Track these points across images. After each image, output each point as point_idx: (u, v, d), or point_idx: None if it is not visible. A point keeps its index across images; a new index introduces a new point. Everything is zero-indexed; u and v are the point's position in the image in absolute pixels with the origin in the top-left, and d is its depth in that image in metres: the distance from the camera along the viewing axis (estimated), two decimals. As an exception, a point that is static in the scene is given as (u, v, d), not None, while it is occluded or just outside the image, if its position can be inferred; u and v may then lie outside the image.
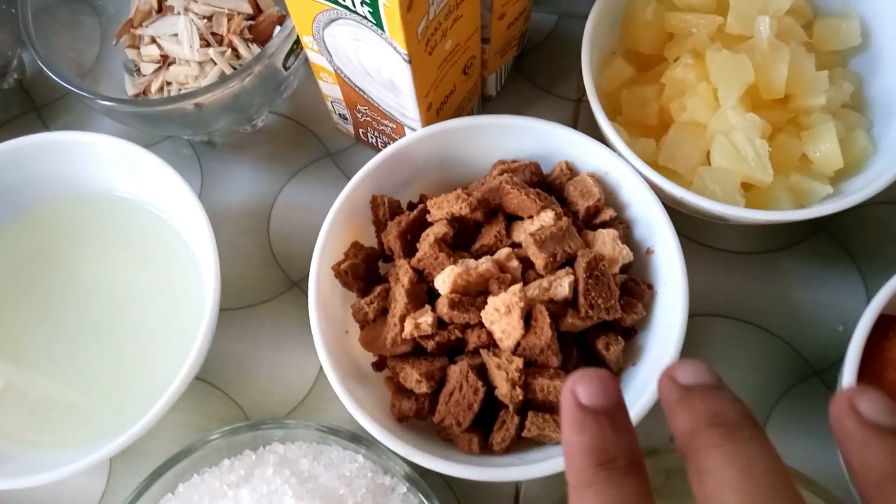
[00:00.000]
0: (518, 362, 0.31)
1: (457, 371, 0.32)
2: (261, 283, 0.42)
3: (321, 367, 0.38)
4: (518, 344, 0.32)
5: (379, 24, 0.31)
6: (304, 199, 0.43)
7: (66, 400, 0.37)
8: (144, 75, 0.42)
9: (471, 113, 0.43)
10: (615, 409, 0.19)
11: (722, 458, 0.18)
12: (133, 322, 0.38)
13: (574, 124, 0.44)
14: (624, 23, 0.40)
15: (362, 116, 0.41)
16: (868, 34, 0.39)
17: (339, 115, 0.43)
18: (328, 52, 0.36)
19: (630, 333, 0.34)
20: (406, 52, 0.31)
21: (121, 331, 0.38)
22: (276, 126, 0.45)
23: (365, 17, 0.31)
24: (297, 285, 0.42)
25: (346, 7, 0.31)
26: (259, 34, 0.42)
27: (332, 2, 0.31)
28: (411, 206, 0.38)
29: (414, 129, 0.38)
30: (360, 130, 0.43)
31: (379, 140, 0.42)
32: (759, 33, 0.36)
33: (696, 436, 0.18)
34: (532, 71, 0.46)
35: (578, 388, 0.20)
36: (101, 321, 0.38)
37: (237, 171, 0.44)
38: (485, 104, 0.45)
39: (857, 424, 0.18)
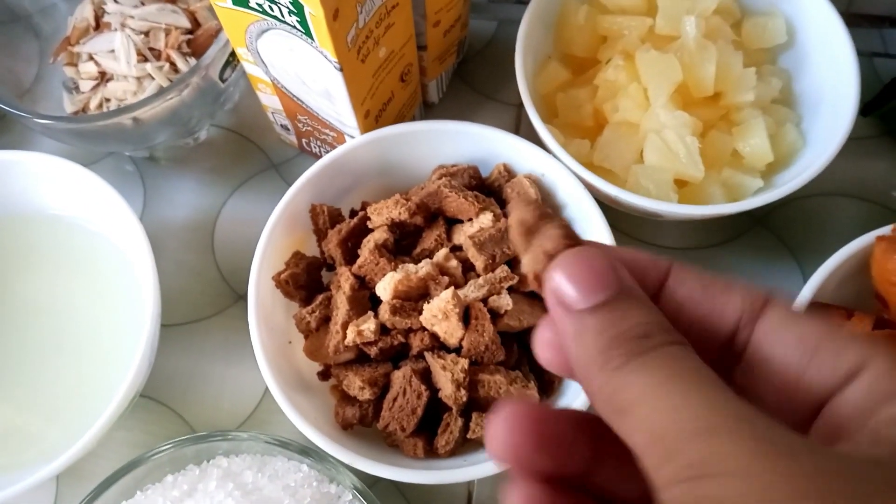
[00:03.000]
0: (463, 363, 0.31)
1: (400, 376, 0.32)
2: (206, 297, 0.41)
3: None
4: (461, 344, 0.32)
5: (308, 34, 0.31)
6: (249, 212, 0.43)
7: (9, 421, 0.36)
8: (83, 92, 0.42)
9: (412, 119, 0.43)
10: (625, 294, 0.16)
11: None
12: (75, 341, 0.37)
13: (516, 128, 0.45)
14: (557, 27, 0.40)
15: (303, 126, 0.41)
16: (793, 32, 0.40)
17: (281, 125, 0.43)
18: (263, 62, 0.36)
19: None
20: (336, 61, 0.32)
21: (63, 350, 0.37)
22: (219, 139, 0.45)
23: (294, 27, 0.31)
24: (243, 298, 0.41)
25: (275, 17, 0.31)
26: (198, 48, 0.42)
27: (262, 12, 0.32)
28: (353, 214, 0.38)
29: (353, 137, 0.38)
30: (303, 140, 0.43)
31: (321, 149, 0.43)
32: (686, 33, 0.37)
33: None
34: (473, 77, 0.46)
35: (562, 290, 0.16)
36: (43, 341, 0.37)
37: (180, 185, 0.44)
38: (427, 110, 0.45)
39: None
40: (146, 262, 0.34)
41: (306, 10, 0.29)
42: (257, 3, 0.31)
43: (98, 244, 0.38)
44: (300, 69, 0.35)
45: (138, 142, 0.41)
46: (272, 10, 0.31)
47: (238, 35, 0.35)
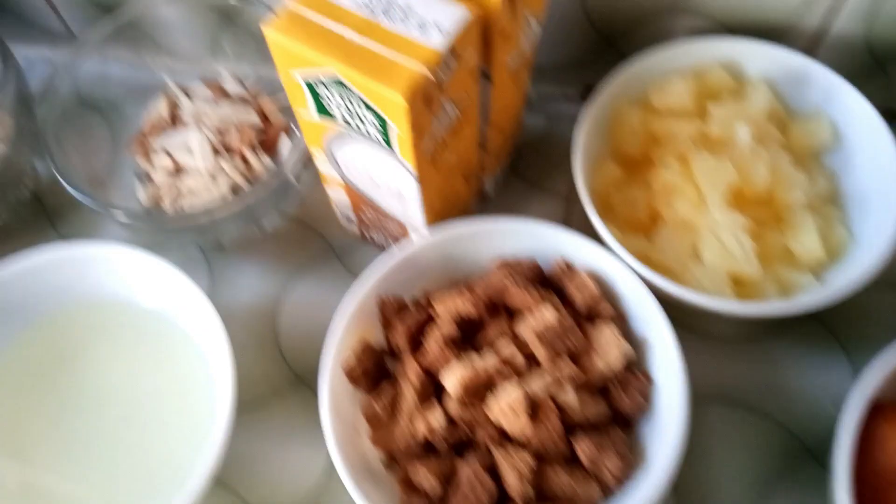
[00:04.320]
0: (529, 459, 0.32)
1: (468, 471, 0.33)
2: (269, 380, 0.43)
3: (330, 464, 0.39)
4: (527, 438, 0.33)
5: (389, 146, 0.33)
6: (311, 297, 0.45)
7: (79, 506, 0.37)
8: (156, 184, 0.44)
9: (470, 211, 0.45)
10: None
11: None
12: (144, 427, 0.38)
13: (566, 217, 0.46)
14: (612, 128, 0.43)
15: (367, 219, 0.43)
16: (838, 133, 0.42)
17: (345, 216, 0.45)
18: (337, 164, 0.38)
19: (632, 424, 0.36)
20: (415, 171, 0.34)
21: (132, 436, 0.38)
22: (284, 227, 0.47)
23: (377, 141, 0.33)
24: (305, 382, 0.43)
25: (358, 131, 0.34)
26: (268, 144, 0.45)
27: (346, 125, 0.34)
28: (417, 305, 0.40)
29: (418, 232, 0.40)
30: (365, 230, 0.45)
31: (383, 239, 0.44)
32: (740, 139, 0.38)
33: None
34: (525, 169, 0.48)
35: None
36: (113, 427, 0.38)
37: (245, 271, 0.46)
38: (482, 202, 0.47)
39: None
40: (222, 351, 0.36)
41: (393, 131, 0.31)
42: (343, 118, 0.33)
43: (172, 332, 0.39)
44: (374, 172, 0.37)
45: (209, 235, 0.43)
46: (357, 125, 0.33)
47: (317, 141, 0.37)
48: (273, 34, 0.30)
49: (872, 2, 0.41)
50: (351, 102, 0.32)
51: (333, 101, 0.32)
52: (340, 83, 0.31)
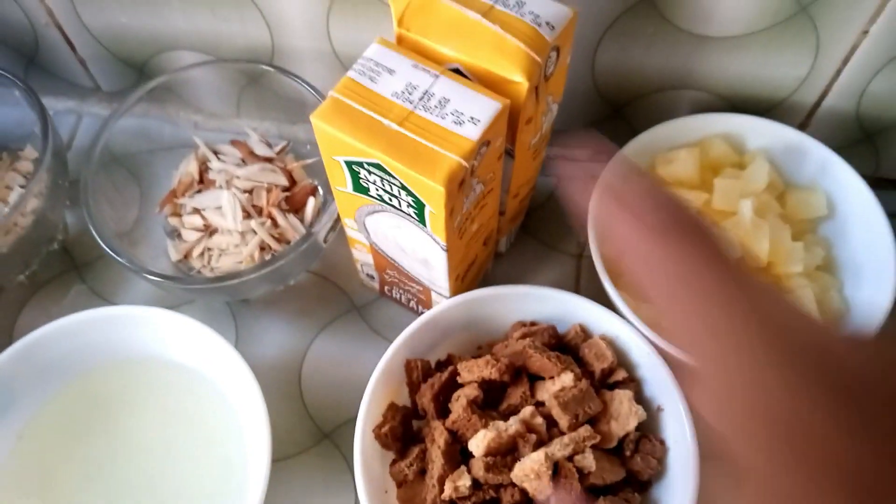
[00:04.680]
0: (552, 522, 0.34)
1: (494, 530, 0.35)
2: (292, 435, 0.44)
3: (355, 519, 0.41)
4: (549, 500, 0.35)
5: (422, 222, 0.35)
6: (334, 352, 0.47)
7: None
8: (186, 241, 0.46)
9: (486, 270, 0.48)
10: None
11: None
12: (178, 481, 0.40)
13: (577, 277, 0.49)
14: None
15: (390, 278, 0.45)
16: (832, 204, 0.44)
17: (367, 275, 0.47)
18: (366, 231, 0.40)
19: (646, 487, 0.38)
20: (444, 244, 0.36)
21: (166, 490, 0.40)
22: (307, 282, 0.49)
23: (409, 216, 0.35)
24: (329, 437, 0.44)
25: (391, 205, 0.36)
26: (294, 204, 0.47)
27: (380, 200, 0.36)
28: (439, 365, 0.42)
29: (441, 294, 0.42)
30: (386, 288, 0.47)
31: (403, 297, 0.46)
32: (742, 214, 0.41)
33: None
34: (537, 229, 0.51)
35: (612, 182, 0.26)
36: (147, 481, 0.40)
37: (269, 325, 0.48)
38: (496, 260, 0.49)
39: None
40: (257, 409, 0.37)
41: (427, 209, 0.34)
42: (377, 195, 0.36)
43: (204, 388, 0.41)
44: (402, 241, 0.39)
45: (237, 295, 0.45)
46: (391, 200, 0.35)
47: (350, 212, 0.39)
48: (320, 124, 0.33)
49: (861, 80, 0.44)
50: (390, 184, 0.34)
51: (371, 181, 0.35)
52: (381, 168, 0.33)
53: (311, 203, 0.46)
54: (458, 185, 0.32)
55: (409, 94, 0.32)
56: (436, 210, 0.33)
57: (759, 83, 0.46)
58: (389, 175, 0.33)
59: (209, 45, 0.49)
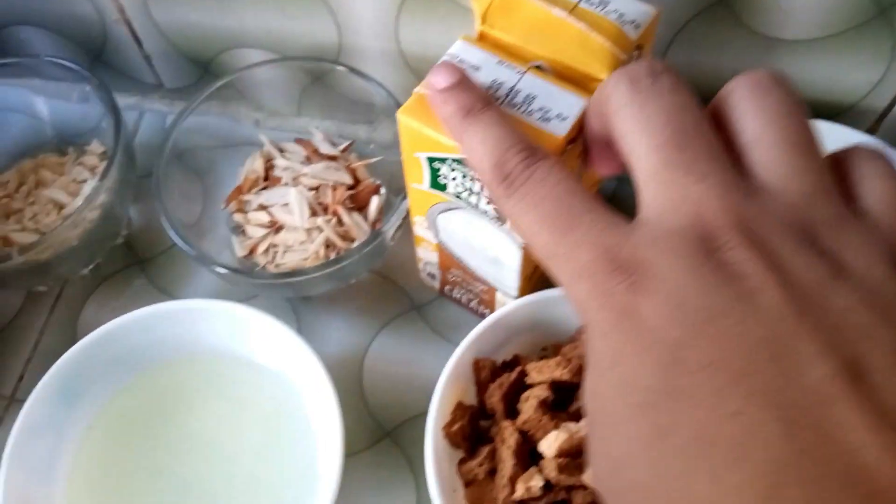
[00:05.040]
0: (628, 526, 0.34)
1: (567, 532, 0.35)
2: (354, 433, 0.44)
3: (418, 519, 0.41)
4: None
5: (500, 219, 0.35)
6: (394, 351, 0.47)
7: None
8: (251, 237, 0.46)
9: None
10: (463, 81, 0.28)
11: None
12: (245, 479, 0.40)
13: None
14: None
15: (452, 277, 0.45)
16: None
17: (429, 273, 0.47)
18: (436, 229, 0.40)
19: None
20: (523, 241, 0.36)
21: (232, 487, 0.40)
22: (366, 281, 0.49)
23: (486, 213, 0.35)
24: (389, 435, 0.44)
25: (468, 203, 0.36)
26: (358, 202, 0.47)
27: (458, 198, 0.36)
28: (505, 366, 0.41)
29: (507, 294, 0.42)
30: (447, 288, 0.47)
31: (464, 297, 0.46)
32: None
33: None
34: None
35: (432, 79, 0.28)
36: (213, 476, 0.40)
37: (330, 323, 0.48)
38: (557, 262, 0.49)
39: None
40: (330, 404, 0.37)
41: (508, 205, 0.33)
42: (455, 192, 0.36)
43: (276, 386, 0.41)
44: (473, 239, 0.39)
45: (300, 291, 0.45)
46: (469, 198, 0.35)
47: (422, 210, 0.39)
48: (406, 119, 0.33)
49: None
50: (472, 180, 0.34)
51: (451, 178, 0.35)
52: (465, 164, 0.33)
53: (375, 202, 0.46)
54: (542, 182, 0.32)
55: (495, 90, 0.32)
56: (518, 207, 0.33)
57: (829, 87, 0.45)
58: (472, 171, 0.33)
59: (275, 44, 0.50)
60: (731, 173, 0.20)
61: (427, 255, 0.44)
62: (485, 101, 0.26)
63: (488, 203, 0.35)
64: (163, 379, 0.42)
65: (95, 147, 0.51)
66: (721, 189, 0.19)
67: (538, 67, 0.34)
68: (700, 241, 0.19)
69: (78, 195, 0.48)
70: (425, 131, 0.32)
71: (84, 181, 0.49)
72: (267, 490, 0.40)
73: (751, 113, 0.21)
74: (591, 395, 0.20)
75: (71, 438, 0.40)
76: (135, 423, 0.41)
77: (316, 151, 0.48)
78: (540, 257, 0.21)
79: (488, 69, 0.33)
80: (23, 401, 0.39)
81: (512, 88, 0.32)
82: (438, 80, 0.28)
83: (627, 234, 0.20)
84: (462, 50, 0.34)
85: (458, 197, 0.36)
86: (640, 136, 0.21)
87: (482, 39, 0.35)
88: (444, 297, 0.48)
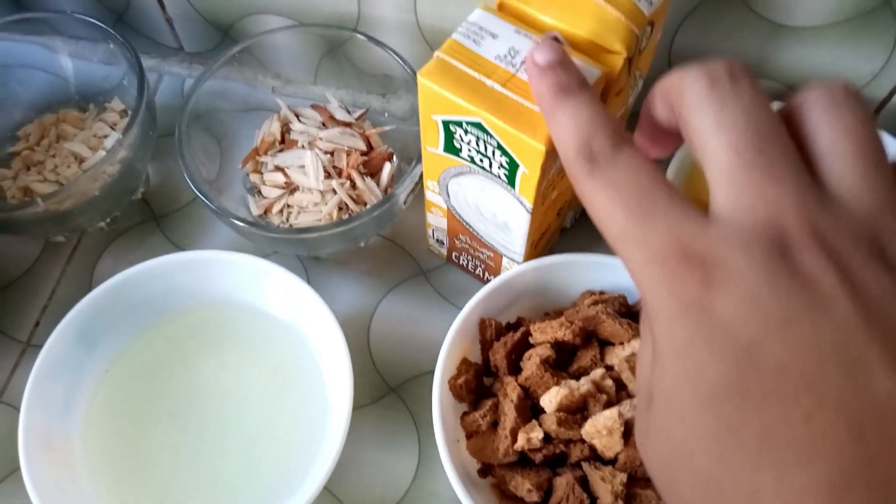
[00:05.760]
0: (622, 476, 0.36)
1: (563, 483, 0.37)
2: (361, 388, 0.46)
3: (419, 470, 0.43)
4: (618, 457, 0.37)
5: (511, 184, 0.37)
6: (401, 312, 0.48)
7: (185, 497, 0.40)
8: (267, 197, 0.48)
9: (552, 244, 0.49)
10: (564, 60, 0.28)
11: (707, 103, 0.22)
12: (255, 424, 0.42)
13: (639, 256, 0.50)
14: (690, 177, 0.46)
15: (460, 244, 0.47)
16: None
17: (437, 239, 0.48)
18: (447, 194, 0.42)
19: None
20: (531, 206, 0.37)
21: (243, 432, 0.41)
22: (376, 245, 0.51)
23: (498, 177, 0.37)
24: (395, 391, 0.46)
25: (481, 167, 0.37)
26: (371, 168, 0.48)
27: (470, 162, 0.37)
28: (509, 327, 0.43)
29: (513, 260, 0.44)
30: (454, 254, 0.48)
31: (471, 264, 0.48)
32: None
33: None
34: (601, 206, 0.52)
35: (534, 55, 0.28)
36: (224, 422, 0.42)
37: (340, 283, 0.49)
38: (560, 234, 0.51)
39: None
40: (341, 357, 0.39)
41: (520, 170, 0.35)
42: (468, 156, 0.37)
43: (290, 338, 0.43)
44: (483, 204, 0.41)
45: (312, 249, 0.47)
46: (482, 162, 0.37)
47: (434, 174, 0.40)
48: (426, 82, 0.34)
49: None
50: (486, 145, 0.35)
51: (465, 141, 0.36)
52: (481, 127, 0.34)
53: (387, 168, 0.48)
54: (554, 147, 0.34)
55: (512, 57, 0.34)
56: (530, 171, 0.35)
57: (831, 75, 0.47)
58: (487, 134, 0.35)
59: (296, 10, 0.51)
60: (806, 179, 0.20)
61: (436, 221, 0.46)
62: (581, 83, 0.26)
63: (500, 167, 0.36)
64: (179, 326, 0.43)
65: (116, 104, 0.52)
66: (797, 194, 0.20)
67: (554, 38, 0.35)
68: (775, 243, 0.19)
69: (98, 149, 0.50)
70: (444, 94, 0.34)
71: (104, 136, 0.50)
72: (276, 437, 0.41)
73: (826, 123, 0.21)
74: (653, 377, 0.21)
75: (88, 381, 0.42)
76: (150, 368, 0.43)
77: (331, 117, 0.49)
78: (611, 239, 0.22)
79: (506, 37, 0.34)
80: (38, 346, 0.41)
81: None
82: (539, 56, 0.28)
83: (703, 227, 0.20)
84: (481, 18, 0.35)
85: (471, 161, 0.37)
86: (718, 134, 0.21)
87: (501, 9, 0.36)
88: (451, 263, 0.50)
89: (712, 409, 0.18)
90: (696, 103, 0.22)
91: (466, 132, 0.35)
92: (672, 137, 0.26)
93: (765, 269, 0.19)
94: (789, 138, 0.21)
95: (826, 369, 0.18)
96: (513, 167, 0.35)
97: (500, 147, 0.35)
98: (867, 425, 0.17)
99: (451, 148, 0.38)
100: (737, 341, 0.18)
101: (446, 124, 0.36)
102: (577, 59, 0.34)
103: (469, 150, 0.37)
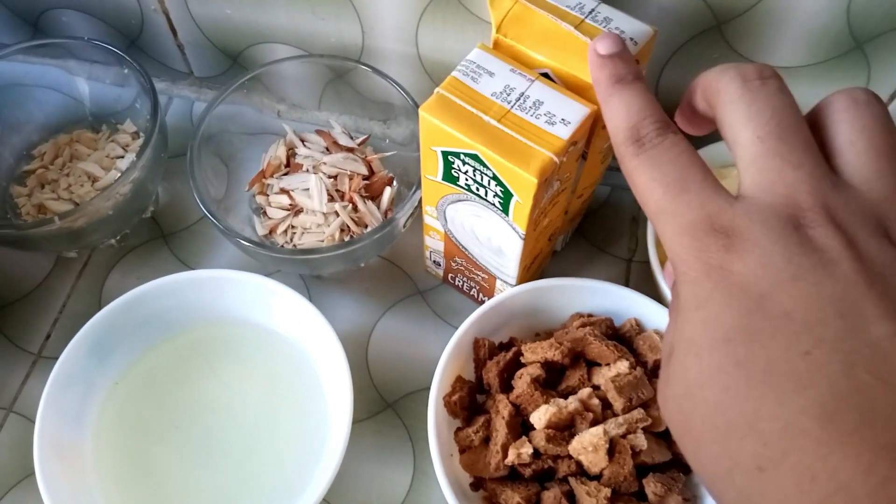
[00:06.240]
0: (606, 491, 0.38)
1: (551, 496, 0.39)
2: (359, 403, 0.48)
3: (413, 484, 0.45)
4: (603, 473, 0.39)
5: (505, 212, 0.39)
6: (398, 330, 0.50)
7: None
8: (272, 218, 0.50)
9: (544, 268, 0.51)
10: (623, 53, 0.30)
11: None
12: (259, 441, 0.43)
13: (626, 279, 0.52)
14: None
15: (456, 266, 0.49)
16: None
17: (434, 261, 0.50)
18: (445, 219, 0.44)
19: (690, 470, 0.41)
20: (523, 232, 0.40)
21: (247, 446, 0.43)
22: (375, 264, 0.53)
23: (493, 205, 0.39)
24: (391, 406, 0.48)
25: (477, 195, 0.40)
26: (372, 192, 0.51)
27: (466, 190, 0.40)
28: (502, 346, 0.45)
29: (507, 282, 0.46)
30: (450, 275, 0.51)
31: (465, 284, 0.50)
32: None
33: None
34: (589, 232, 0.54)
35: (597, 45, 0.31)
36: (229, 435, 0.43)
37: (340, 301, 0.51)
38: (552, 258, 0.53)
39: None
40: (342, 374, 0.41)
41: (513, 199, 0.37)
42: (465, 184, 0.39)
43: (289, 351, 0.45)
44: (479, 230, 0.43)
45: (315, 269, 0.49)
46: (478, 190, 0.39)
47: (433, 200, 0.43)
48: (427, 116, 0.37)
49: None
50: (482, 175, 0.38)
51: (463, 171, 0.38)
52: (478, 159, 0.37)
53: (388, 192, 0.50)
54: (546, 179, 0.36)
55: (507, 94, 0.36)
56: (523, 200, 0.37)
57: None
58: (484, 166, 0.37)
59: (303, 41, 0.53)
60: (822, 167, 0.23)
61: (434, 244, 0.48)
62: (635, 75, 0.29)
63: (495, 196, 0.38)
64: (186, 342, 0.45)
65: (128, 126, 0.54)
66: (813, 178, 0.23)
67: (545, 75, 0.38)
68: (790, 217, 0.22)
69: (111, 169, 0.52)
70: (444, 127, 0.36)
71: (117, 157, 0.53)
72: (277, 449, 0.43)
73: (846, 122, 0.24)
74: (675, 330, 0.24)
75: (99, 392, 0.44)
76: (158, 381, 0.45)
77: (335, 143, 0.52)
78: (649, 212, 0.25)
79: (502, 75, 0.37)
80: (49, 358, 0.43)
81: (522, 94, 0.36)
82: (601, 45, 0.31)
83: (730, 204, 0.23)
84: (479, 57, 0.37)
85: (467, 189, 0.40)
86: (746, 126, 0.24)
87: (496, 46, 0.39)
88: (447, 284, 0.52)
89: (724, 348, 0.21)
90: (730, 101, 0.25)
91: (464, 163, 0.38)
92: (706, 121, 0.29)
93: (779, 237, 0.22)
94: (809, 132, 0.24)
95: (826, 315, 0.20)
96: (507, 196, 0.38)
97: (495, 178, 0.37)
98: (858, 361, 0.20)
99: (449, 177, 0.40)
100: (750, 293, 0.21)
101: (445, 155, 0.38)
102: (568, 97, 0.36)
103: (466, 179, 0.39)
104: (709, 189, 0.24)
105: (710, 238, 0.23)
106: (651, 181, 0.25)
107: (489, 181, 0.38)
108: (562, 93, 0.36)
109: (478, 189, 0.39)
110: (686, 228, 0.23)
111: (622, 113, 0.28)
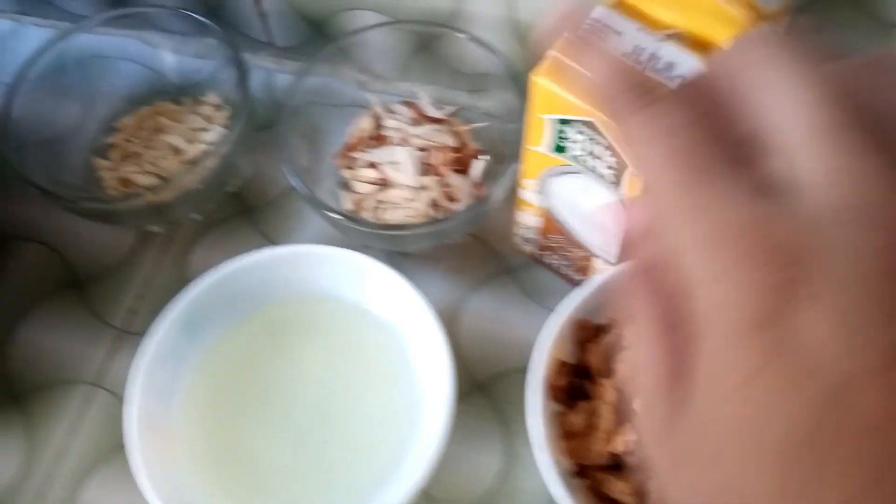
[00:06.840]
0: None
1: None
2: (448, 383, 0.46)
3: (504, 467, 0.43)
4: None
5: (618, 184, 0.36)
6: (485, 310, 0.48)
7: (280, 484, 0.41)
8: (359, 193, 0.48)
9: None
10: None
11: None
12: (349, 418, 0.42)
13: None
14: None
15: (551, 243, 0.46)
16: None
17: (525, 238, 0.48)
18: (546, 194, 0.42)
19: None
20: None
21: (336, 427, 0.42)
22: (461, 242, 0.51)
23: (604, 178, 0.37)
24: (480, 388, 0.46)
25: (586, 167, 0.37)
26: (462, 165, 0.48)
27: (575, 161, 0.37)
28: (602, 329, 0.43)
29: (609, 261, 0.43)
30: (542, 253, 0.48)
31: (559, 264, 0.48)
32: None
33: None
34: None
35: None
36: (318, 415, 0.42)
37: (428, 278, 0.49)
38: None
39: None
40: (441, 354, 0.39)
41: (628, 171, 0.35)
42: (574, 156, 0.37)
43: (382, 330, 0.43)
44: (583, 204, 0.40)
45: (402, 246, 0.47)
46: (587, 162, 0.37)
47: (535, 173, 0.40)
48: (542, 81, 0.34)
49: None
50: (595, 144, 0.35)
51: (574, 141, 0.36)
52: (592, 127, 0.34)
53: (480, 165, 0.48)
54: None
55: (638, 55, 0.34)
56: (641, 172, 0.34)
57: None
58: (598, 135, 0.34)
59: (390, 6, 0.51)
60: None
61: (528, 220, 0.46)
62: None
63: (608, 168, 0.36)
64: (277, 318, 0.44)
65: (211, 98, 0.53)
66: None
67: (672, 36, 0.35)
68: (889, 232, 0.14)
69: (194, 142, 0.51)
70: (561, 93, 0.34)
71: (200, 130, 0.52)
72: (366, 433, 0.42)
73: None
74: (700, 415, 0.15)
75: (189, 368, 0.43)
76: (247, 358, 0.44)
77: (423, 114, 0.50)
78: (657, 203, 0.17)
79: (630, 35, 0.34)
80: (134, 333, 0.42)
81: (653, 55, 0.33)
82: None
83: (786, 205, 0.15)
84: (605, 15, 0.35)
85: (576, 160, 0.37)
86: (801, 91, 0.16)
87: (620, 6, 0.36)
88: (535, 261, 0.50)
89: (779, 464, 0.14)
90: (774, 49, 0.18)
91: (579, 132, 0.35)
92: None
93: (870, 270, 0.13)
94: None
95: None
96: (622, 167, 0.35)
97: (610, 147, 0.35)
98: None
99: (556, 147, 0.37)
100: (824, 378, 0.13)
101: (556, 123, 0.36)
102: (693, 57, 0.34)
103: (575, 150, 0.37)
104: (748, 176, 0.16)
105: (766, 261, 0.15)
106: (659, 156, 0.18)
107: (603, 151, 0.35)
108: (694, 54, 0.34)
109: (585, 160, 0.37)
110: (724, 238, 0.15)
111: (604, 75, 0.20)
